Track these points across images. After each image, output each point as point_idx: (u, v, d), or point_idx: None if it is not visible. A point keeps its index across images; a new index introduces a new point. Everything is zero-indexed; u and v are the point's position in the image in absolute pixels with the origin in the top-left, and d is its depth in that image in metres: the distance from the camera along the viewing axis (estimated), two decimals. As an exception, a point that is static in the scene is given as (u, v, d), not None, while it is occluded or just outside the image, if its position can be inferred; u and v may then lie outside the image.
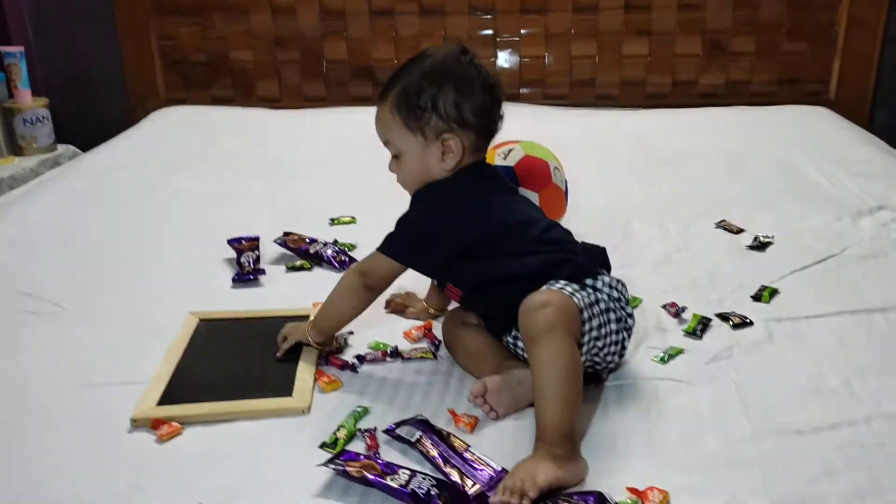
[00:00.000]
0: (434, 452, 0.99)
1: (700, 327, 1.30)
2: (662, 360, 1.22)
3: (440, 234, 1.18)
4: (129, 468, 1.01)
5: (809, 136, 2.30)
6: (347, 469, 0.93)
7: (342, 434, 1.05)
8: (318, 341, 1.24)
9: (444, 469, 0.97)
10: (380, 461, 0.96)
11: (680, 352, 1.24)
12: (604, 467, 1.00)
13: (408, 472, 0.94)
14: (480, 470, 0.97)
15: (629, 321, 1.16)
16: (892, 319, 1.30)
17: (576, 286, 1.11)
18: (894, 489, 0.93)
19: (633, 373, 1.20)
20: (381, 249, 1.22)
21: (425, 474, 0.94)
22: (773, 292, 1.41)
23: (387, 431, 1.03)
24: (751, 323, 1.31)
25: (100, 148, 2.40)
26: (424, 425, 1.04)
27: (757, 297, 1.40)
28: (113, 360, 1.26)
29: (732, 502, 0.92)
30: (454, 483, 0.94)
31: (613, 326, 1.12)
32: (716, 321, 1.33)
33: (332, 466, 0.94)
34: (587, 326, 1.09)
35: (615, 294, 1.14)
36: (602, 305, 1.11)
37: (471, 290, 1.22)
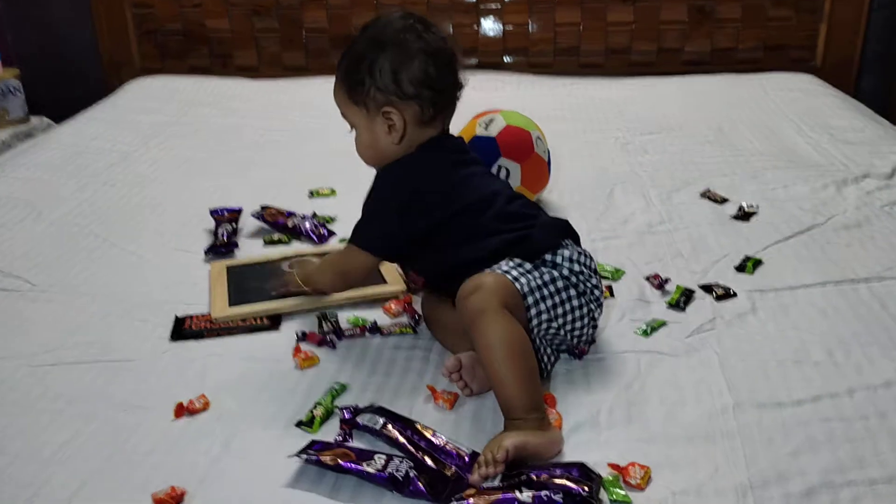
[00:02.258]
0: (402, 438, 0.97)
1: (683, 299, 1.29)
2: (645, 333, 1.21)
3: (400, 223, 1.16)
4: (102, 448, 0.99)
5: (795, 103, 2.27)
6: (321, 458, 0.90)
7: (319, 412, 1.03)
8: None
9: (417, 455, 0.94)
10: (355, 449, 0.93)
11: (663, 324, 1.23)
12: (584, 442, 0.98)
13: (384, 456, 0.92)
14: (452, 454, 0.95)
15: (595, 292, 1.12)
16: (875, 290, 1.29)
17: (527, 266, 1.08)
18: (875, 462, 0.92)
19: (614, 346, 1.18)
20: (353, 241, 1.21)
21: (402, 457, 0.92)
22: (757, 263, 1.40)
23: (345, 420, 1.01)
24: (734, 294, 1.30)
25: (74, 119, 2.33)
26: (385, 412, 1.02)
27: (741, 268, 1.39)
28: (83, 338, 1.23)
29: (713, 476, 0.91)
30: (431, 466, 0.92)
31: (575, 302, 1.09)
32: (699, 293, 1.31)
33: (305, 457, 0.92)
34: (535, 310, 1.05)
35: (576, 267, 1.10)
36: (560, 283, 1.08)
37: (432, 277, 1.21)
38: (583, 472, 0.88)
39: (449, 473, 0.91)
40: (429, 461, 0.93)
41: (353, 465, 0.90)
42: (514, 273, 1.06)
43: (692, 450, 0.95)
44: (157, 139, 2.18)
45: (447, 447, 0.96)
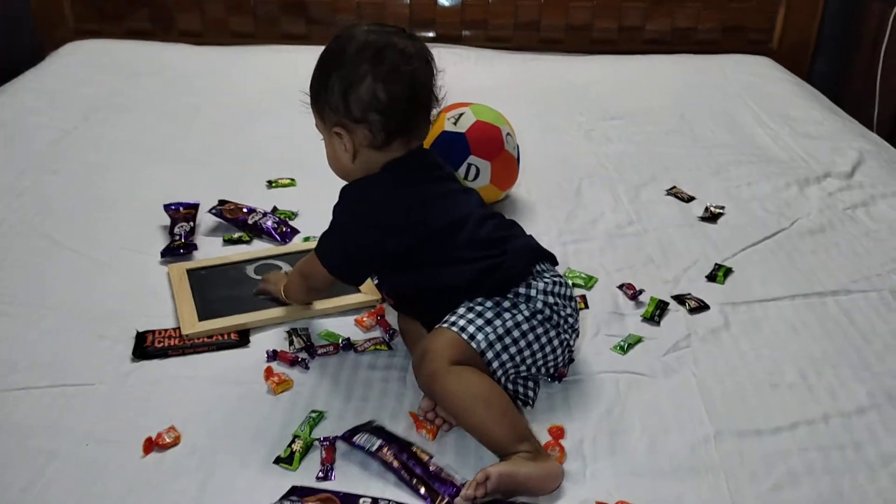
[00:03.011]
0: (397, 463, 0.95)
1: (658, 312, 1.29)
2: (622, 350, 1.21)
3: (363, 249, 1.12)
4: (70, 492, 0.93)
5: (753, 88, 2.28)
6: None
7: (298, 446, 1.00)
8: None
9: (412, 482, 0.93)
10: (339, 493, 0.91)
11: (639, 340, 1.23)
12: (571, 476, 0.98)
13: (369, 500, 0.89)
14: (446, 482, 0.94)
15: (570, 320, 1.10)
16: (842, 303, 1.31)
17: (489, 313, 1.04)
18: (855, 496, 0.95)
19: (593, 365, 1.17)
20: (317, 252, 1.18)
21: (387, 500, 0.90)
22: (728, 272, 1.41)
23: (342, 439, 0.98)
24: (707, 307, 1.31)
25: (4, 89, 2.17)
26: (383, 433, 1.00)
27: (712, 277, 1.40)
28: (36, 359, 1.15)
29: (700, 514, 0.92)
30: (424, 497, 0.91)
31: (545, 339, 1.06)
32: (673, 305, 1.31)
33: None
34: (496, 363, 1.03)
35: (550, 300, 1.07)
36: (526, 326, 1.04)
37: (402, 298, 1.18)
38: None
39: (439, 501, 0.91)
40: (422, 490, 0.92)
41: None
42: (471, 329, 1.03)
43: (678, 485, 0.96)
44: (99, 114, 2.04)
45: (442, 475, 0.95)
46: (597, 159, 1.88)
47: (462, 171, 1.54)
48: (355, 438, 0.97)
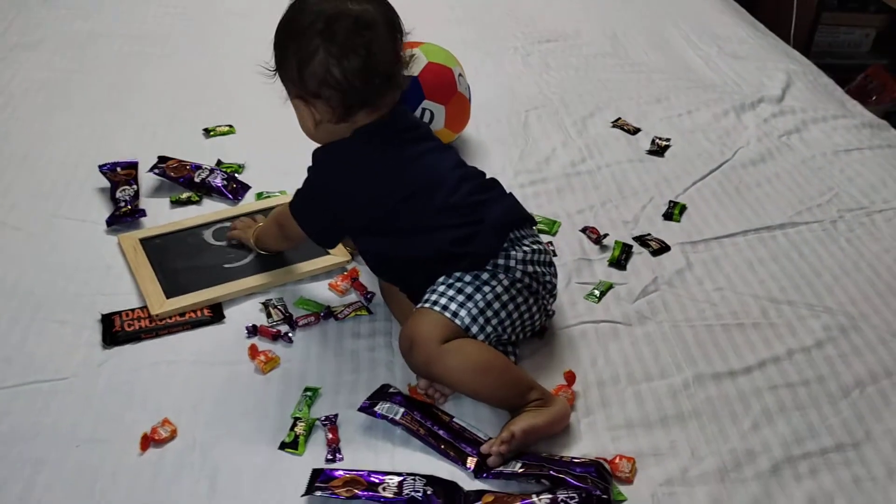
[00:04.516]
0: (422, 430, 0.97)
1: (623, 256, 1.33)
2: (596, 299, 1.25)
3: (333, 214, 1.11)
4: (68, 499, 0.90)
5: (680, 4, 2.30)
6: (337, 492, 0.88)
7: (301, 429, 0.99)
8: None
9: (439, 447, 0.96)
10: (362, 473, 0.92)
11: (610, 287, 1.27)
12: (567, 431, 1.02)
13: (395, 477, 0.91)
14: (471, 443, 0.97)
15: (549, 285, 1.11)
16: (791, 237, 1.39)
17: (469, 288, 1.04)
18: (824, 430, 1.04)
19: (570, 316, 1.21)
20: (291, 208, 1.16)
21: (414, 475, 0.92)
22: (682, 209, 1.46)
23: (362, 410, 0.99)
24: (668, 248, 1.36)
25: None
26: (401, 399, 1.01)
27: (668, 216, 1.44)
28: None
29: (692, 460, 0.99)
30: (454, 460, 0.94)
31: (524, 307, 1.07)
32: (636, 247, 1.36)
33: (320, 494, 0.89)
34: (482, 336, 1.03)
35: (530, 269, 1.07)
36: (506, 297, 1.05)
37: (378, 265, 1.17)
38: (599, 471, 0.93)
39: (469, 463, 0.94)
40: (451, 453, 0.95)
41: (371, 494, 0.89)
42: (453, 307, 1.02)
43: (668, 433, 1.02)
44: (-4, 56, 1.85)
45: (466, 434, 0.98)
46: (539, 88, 1.87)
47: (416, 115, 1.49)
48: (376, 409, 0.98)
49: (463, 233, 1.07)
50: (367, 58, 1.02)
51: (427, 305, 1.04)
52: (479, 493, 0.91)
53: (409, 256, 1.09)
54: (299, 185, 1.15)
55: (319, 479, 0.91)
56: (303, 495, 0.90)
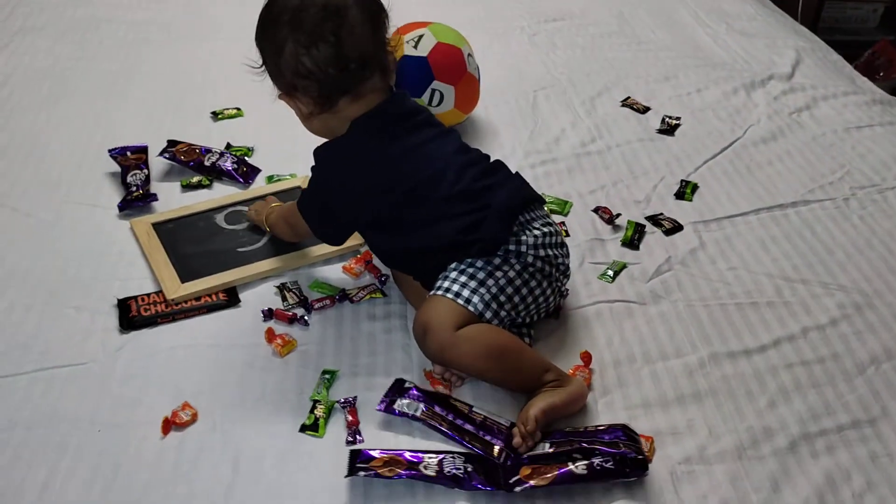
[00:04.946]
0: (445, 425, 0.97)
1: (636, 236, 1.33)
2: (610, 279, 1.25)
3: (339, 212, 1.11)
4: (92, 483, 0.91)
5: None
6: (379, 472, 0.89)
7: (320, 412, 1.00)
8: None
9: (464, 440, 0.96)
10: (400, 452, 0.92)
11: (623, 267, 1.27)
12: (585, 411, 1.03)
13: (433, 456, 0.92)
14: (495, 432, 0.97)
15: (562, 266, 1.11)
16: (802, 215, 1.39)
17: (481, 273, 1.03)
18: (840, 407, 1.04)
19: (584, 296, 1.21)
20: (299, 206, 1.15)
21: (451, 452, 0.93)
22: (694, 188, 1.45)
23: (382, 410, 0.98)
24: (681, 227, 1.36)
25: None
26: (418, 393, 1.00)
27: (680, 195, 1.44)
28: (13, 341, 1.08)
29: (709, 438, 0.99)
30: (479, 452, 0.94)
31: (538, 290, 1.07)
32: (648, 227, 1.36)
33: (364, 475, 0.89)
34: (496, 321, 1.03)
35: (541, 252, 1.06)
36: (519, 281, 1.05)
37: (387, 259, 1.17)
38: (627, 433, 0.94)
39: (496, 453, 0.94)
40: (477, 446, 0.95)
41: (412, 473, 0.89)
42: (466, 293, 1.02)
43: (685, 412, 1.03)
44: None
45: (488, 423, 0.98)
46: (546, 68, 1.86)
47: (426, 97, 1.49)
48: (395, 406, 0.98)
49: (470, 220, 1.06)
50: (336, 45, 1.01)
51: (440, 293, 1.04)
52: (517, 467, 0.92)
53: (418, 249, 1.09)
54: (307, 174, 1.15)
55: (359, 459, 0.91)
56: (346, 476, 0.90)
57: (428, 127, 1.13)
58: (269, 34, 1.04)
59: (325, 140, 1.11)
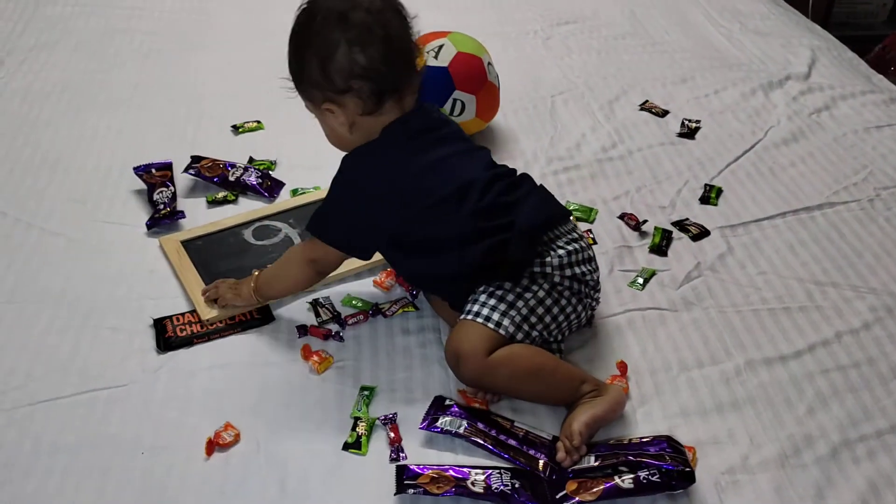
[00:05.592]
0: (490, 441, 0.97)
1: (664, 242, 1.33)
2: (640, 286, 1.25)
3: (370, 218, 1.08)
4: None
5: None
6: (428, 490, 0.89)
7: (362, 429, 1.00)
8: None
9: (509, 456, 0.96)
10: (444, 468, 0.93)
11: (653, 274, 1.27)
12: (624, 423, 1.03)
13: (480, 471, 0.92)
14: (538, 446, 0.98)
15: (591, 282, 1.10)
16: (829, 217, 1.40)
17: (510, 296, 1.03)
18: (878, 412, 1.05)
19: (615, 304, 1.21)
20: (310, 229, 1.10)
21: (497, 468, 0.93)
22: (719, 192, 1.46)
23: (425, 428, 0.99)
24: (708, 232, 1.36)
25: None
26: (459, 410, 1.01)
27: (705, 199, 1.44)
28: (52, 363, 1.09)
29: (751, 447, 1.00)
30: (525, 467, 0.95)
31: (569, 308, 1.07)
32: (675, 233, 1.36)
33: (412, 492, 0.90)
34: (528, 341, 1.03)
35: (568, 272, 1.06)
36: (549, 300, 1.04)
37: (414, 281, 1.17)
38: (672, 445, 0.94)
39: (541, 467, 0.94)
40: (521, 460, 0.95)
41: (462, 489, 0.90)
42: (496, 316, 1.02)
43: (725, 421, 1.03)
44: (15, 55, 1.83)
45: (531, 437, 0.98)
46: (562, 73, 1.86)
47: (447, 106, 1.49)
48: (438, 424, 0.98)
49: (495, 241, 1.05)
50: (386, 41, 1.02)
51: (469, 317, 1.03)
52: (562, 481, 0.92)
53: (447, 274, 1.08)
54: (322, 198, 1.12)
55: (406, 476, 0.92)
56: (395, 494, 0.90)
57: (455, 141, 1.13)
58: (318, 38, 1.02)
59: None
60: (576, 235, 1.11)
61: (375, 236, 1.11)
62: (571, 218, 1.15)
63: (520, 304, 1.04)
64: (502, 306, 1.03)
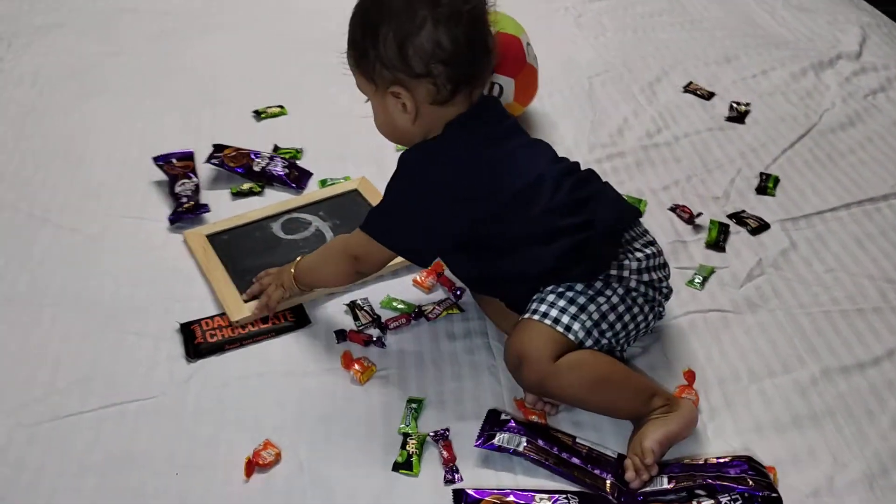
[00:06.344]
0: (552, 460, 0.89)
1: (721, 237, 1.24)
2: (699, 286, 1.17)
3: (435, 221, 0.98)
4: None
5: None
6: None
7: (412, 447, 0.93)
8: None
9: (573, 475, 0.88)
10: (506, 492, 0.85)
11: (711, 271, 1.19)
12: (693, 439, 0.95)
13: (544, 496, 0.85)
14: (603, 464, 0.90)
15: (664, 289, 1.02)
16: (895, 207, 1.31)
17: (581, 298, 0.95)
18: (969, 425, 0.97)
19: (674, 306, 1.13)
20: (368, 231, 1.01)
21: (562, 492, 0.86)
22: (776, 181, 1.37)
23: (481, 446, 0.91)
24: (768, 226, 1.27)
25: None
26: (517, 425, 0.92)
27: (762, 189, 1.35)
28: (74, 373, 1.01)
29: (835, 466, 0.92)
30: (590, 491, 0.87)
31: (640, 317, 0.99)
32: (732, 226, 1.27)
33: None
34: (597, 347, 0.95)
35: (644, 277, 0.98)
36: (622, 307, 0.97)
37: (475, 283, 1.09)
38: (753, 466, 0.87)
39: (609, 488, 0.87)
40: (587, 481, 0.88)
41: None
42: (566, 319, 0.94)
43: (804, 437, 0.95)
44: (21, 39, 1.74)
45: (594, 455, 0.91)
46: (597, 53, 1.76)
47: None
48: (494, 441, 0.90)
49: (572, 242, 0.96)
50: (472, 27, 0.93)
51: (536, 318, 0.95)
52: None
53: (515, 275, 1.00)
54: (362, 176, 1.04)
55: (464, 501, 0.84)
56: None
57: (518, 134, 1.04)
58: (398, 18, 0.91)
59: (405, 147, 1.02)
60: (651, 238, 1.02)
61: (442, 239, 1.01)
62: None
63: (591, 307, 0.95)
64: (573, 309, 0.95)
